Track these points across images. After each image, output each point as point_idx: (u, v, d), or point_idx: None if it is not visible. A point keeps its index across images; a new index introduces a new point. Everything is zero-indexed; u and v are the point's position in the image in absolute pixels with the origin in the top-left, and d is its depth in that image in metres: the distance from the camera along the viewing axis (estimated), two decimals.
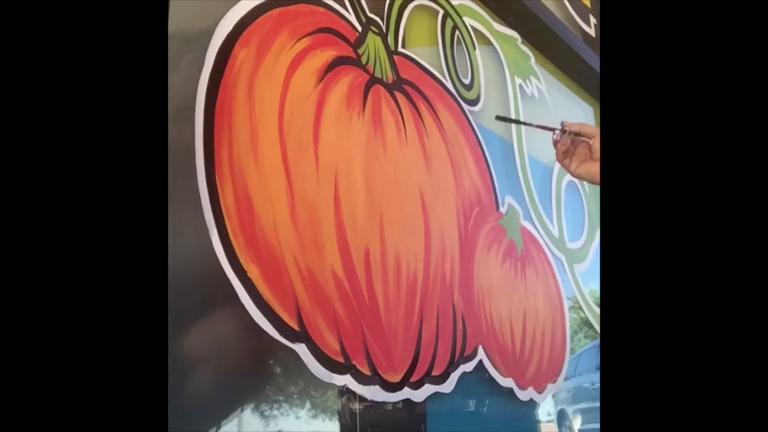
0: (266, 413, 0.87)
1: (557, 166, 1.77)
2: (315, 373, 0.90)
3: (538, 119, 1.71)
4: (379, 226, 1.08)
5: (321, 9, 1.09)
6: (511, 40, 1.69)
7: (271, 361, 0.90)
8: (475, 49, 1.51)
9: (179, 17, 0.85)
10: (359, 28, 1.16)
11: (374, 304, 1.03)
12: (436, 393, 1.12)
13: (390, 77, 1.21)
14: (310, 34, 1.04)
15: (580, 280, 1.73)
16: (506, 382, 1.31)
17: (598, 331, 1.72)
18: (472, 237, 1.31)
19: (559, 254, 1.65)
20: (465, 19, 1.52)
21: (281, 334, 0.87)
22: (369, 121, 1.12)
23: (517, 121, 1.44)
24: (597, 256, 1.83)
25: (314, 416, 0.94)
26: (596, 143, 1.09)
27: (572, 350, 1.60)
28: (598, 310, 1.77)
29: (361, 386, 0.97)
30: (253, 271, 0.85)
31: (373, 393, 0.99)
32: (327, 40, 1.08)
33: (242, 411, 0.85)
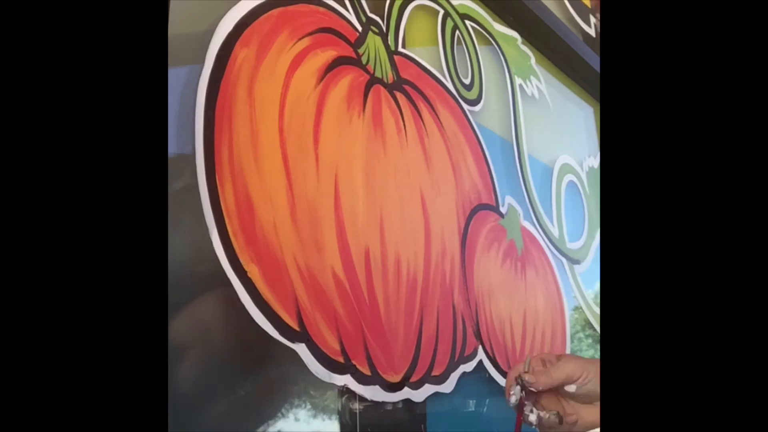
0: (265, 413, 0.87)
1: (557, 165, 1.78)
2: (315, 373, 0.90)
3: (538, 119, 1.71)
4: (379, 226, 1.08)
5: (321, 9, 1.09)
6: (511, 40, 1.69)
7: (271, 361, 0.90)
8: (475, 49, 1.51)
9: (179, 17, 0.85)
10: (359, 28, 1.16)
11: (374, 304, 1.03)
12: (436, 393, 1.12)
13: (390, 77, 1.21)
14: (310, 34, 1.04)
15: (580, 280, 1.73)
16: None
17: (598, 331, 1.72)
18: (472, 237, 1.31)
19: (559, 254, 1.65)
20: (465, 19, 1.52)
21: (281, 334, 0.87)
22: (369, 121, 1.12)
23: None
24: (597, 257, 1.83)
25: (314, 416, 0.94)
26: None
27: (573, 351, 1.60)
28: (598, 310, 1.77)
29: (361, 386, 0.97)
30: (253, 271, 0.85)
31: (373, 393, 0.99)
32: (327, 40, 1.08)
33: (241, 411, 0.85)
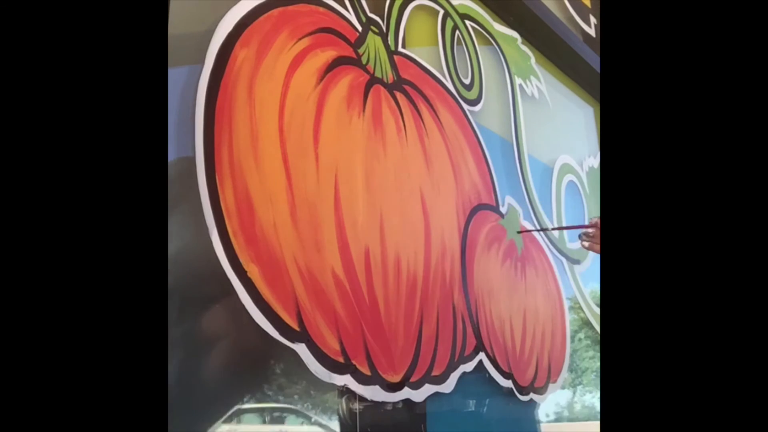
0: (266, 413, 0.87)
1: (557, 165, 1.78)
2: (315, 373, 0.90)
3: (538, 119, 1.71)
4: (379, 226, 1.08)
5: (321, 9, 1.09)
6: (511, 40, 1.69)
7: (271, 361, 0.90)
8: (475, 49, 1.51)
9: (179, 17, 0.85)
10: (359, 28, 1.16)
11: (374, 304, 1.03)
12: (436, 393, 1.12)
13: (390, 77, 1.21)
14: (310, 34, 1.04)
15: (580, 281, 1.73)
16: (506, 382, 1.31)
17: (598, 331, 1.72)
18: (473, 237, 1.31)
19: (559, 254, 1.65)
20: (465, 19, 1.52)
21: (281, 334, 0.87)
22: (369, 121, 1.12)
23: (544, 229, 1.44)
24: (597, 257, 1.83)
25: (314, 416, 0.94)
26: None
27: (572, 351, 1.60)
28: (598, 310, 1.77)
29: (361, 386, 0.97)
30: (253, 271, 0.85)
31: (373, 393, 0.99)
32: (327, 40, 1.08)
33: (242, 411, 0.85)
